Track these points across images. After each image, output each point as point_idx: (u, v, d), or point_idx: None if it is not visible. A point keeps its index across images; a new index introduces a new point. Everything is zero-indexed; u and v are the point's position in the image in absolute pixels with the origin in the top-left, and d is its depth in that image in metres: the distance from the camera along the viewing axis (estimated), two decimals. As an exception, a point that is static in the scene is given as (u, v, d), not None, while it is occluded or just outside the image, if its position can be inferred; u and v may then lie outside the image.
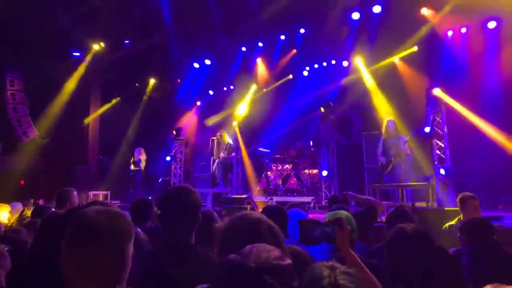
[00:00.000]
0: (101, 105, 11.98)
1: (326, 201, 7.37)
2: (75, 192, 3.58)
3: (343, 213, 2.49)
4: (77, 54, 10.78)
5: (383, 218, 3.90)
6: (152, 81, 12.49)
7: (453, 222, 3.97)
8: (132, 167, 9.79)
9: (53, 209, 3.44)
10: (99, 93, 12.07)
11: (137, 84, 12.32)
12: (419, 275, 1.60)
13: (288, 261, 1.00)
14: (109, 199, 9.04)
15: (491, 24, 8.20)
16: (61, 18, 9.21)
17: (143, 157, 9.83)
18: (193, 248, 1.84)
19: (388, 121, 7.40)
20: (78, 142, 11.53)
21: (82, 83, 10.98)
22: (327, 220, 1.82)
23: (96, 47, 10.70)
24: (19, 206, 5.63)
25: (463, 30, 8.66)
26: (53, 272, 1.15)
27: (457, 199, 4.00)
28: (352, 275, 1.11)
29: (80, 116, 11.57)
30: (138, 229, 2.85)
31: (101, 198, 8.82)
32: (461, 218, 3.83)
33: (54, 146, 10.81)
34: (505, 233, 3.88)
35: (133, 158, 9.81)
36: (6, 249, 1.86)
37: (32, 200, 6.65)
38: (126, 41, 10.79)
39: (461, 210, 3.92)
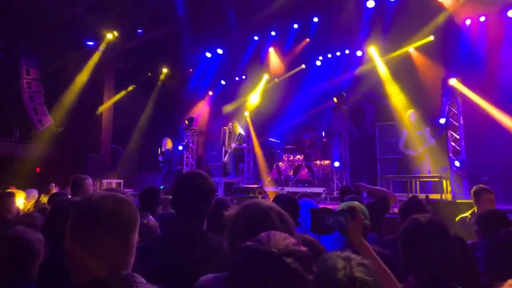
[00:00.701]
0: (115, 94, 12.07)
1: (338, 192, 7.32)
2: (89, 180, 3.62)
3: (356, 203, 2.46)
4: (91, 43, 10.85)
5: (396, 210, 3.86)
6: (164, 71, 12.53)
7: (466, 215, 3.91)
8: (161, 157, 9.86)
9: (69, 196, 3.49)
10: (112, 82, 12.16)
11: (149, 74, 12.37)
12: (432, 267, 1.57)
13: (305, 248, 0.98)
14: (122, 187, 9.16)
15: (511, 13, 7.94)
16: (76, 7, 9.27)
17: (169, 146, 9.85)
18: (204, 235, 1.81)
19: (411, 113, 7.25)
20: (91, 131, 11.68)
21: (96, 72, 11.07)
22: (340, 209, 1.79)
23: (109, 36, 10.75)
24: (34, 193, 5.74)
25: (482, 18, 8.41)
26: (61, 255, 1.15)
27: (472, 192, 3.93)
28: (368, 266, 1.07)
29: (94, 105, 11.70)
30: (150, 216, 2.89)
31: (114, 186, 8.94)
32: (475, 210, 3.77)
33: (68, 135, 10.98)
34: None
35: (161, 149, 9.87)
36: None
37: (53, 184, 6.74)
38: (139, 30, 10.81)
39: (475, 203, 3.85)
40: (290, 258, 0.90)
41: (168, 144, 9.81)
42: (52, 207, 2.16)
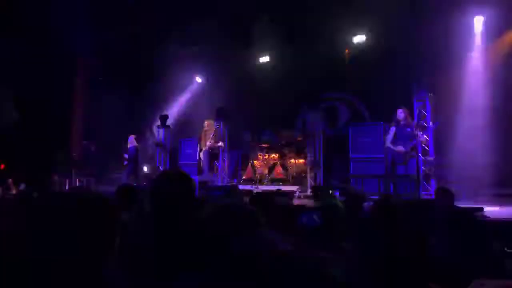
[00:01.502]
0: (87, 89, 11.72)
1: (311, 190, 7.41)
2: (55, 177, 3.50)
3: (337, 201, 2.49)
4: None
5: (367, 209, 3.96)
6: (139, 65, 12.20)
7: (433, 213, 4.07)
8: (124, 156, 9.62)
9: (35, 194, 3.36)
10: (83, 76, 11.80)
11: (123, 68, 12.06)
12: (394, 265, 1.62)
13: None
14: (94, 185, 8.92)
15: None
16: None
17: (135, 145, 9.62)
18: (182, 234, 1.78)
19: (398, 110, 7.25)
20: (61, 125, 11.28)
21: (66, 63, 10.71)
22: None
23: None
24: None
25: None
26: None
27: (435, 191, 4.18)
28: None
29: (63, 99, 11.29)
30: (124, 214, 2.81)
31: (85, 184, 8.68)
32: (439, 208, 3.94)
33: (37, 130, 10.55)
34: (486, 224, 3.98)
35: (125, 146, 9.63)
36: None
37: (11, 180, 6.49)
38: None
39: (436, 201, 4.09)
40: None
41: (134, 141, 9.60)
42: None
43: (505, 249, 2.74)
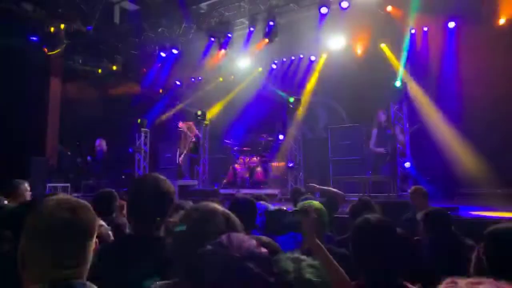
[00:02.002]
0: (62, 92, 11.42)
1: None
2: (25, 185, 3.39)
3: (316, 203, 2.49)
4: (34, 38, 10.17)
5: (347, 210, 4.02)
6: (115, 68, 12.00)
7: (410, 213, 4.19)
8: (90, 158, 9.39)
9: (5, 202, 3.25)
10: (59, 79, 11.50)
11: (100, 71, 11.83)
12: (382, 265, 1.63)
13: (265, 250, 0.98)
14: (69, 192, 8.67)
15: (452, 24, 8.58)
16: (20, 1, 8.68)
17: (103, 147, 9.40)
18: (159, 241, 1.74)
19: (379, 112, 7.32)
20: (36, 130, 10.94)
21: (41, 67, 10.41)
22: (304, 205, 1.82)
23: (55, 31, 10.13)
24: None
25: (425, 29, 8.99)
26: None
27: (409, 192, 4.34)
28: (318, 267, 1.09)
29: (38, 103, 10.97)
30: (101, 221, 2.75)
31: (60, 191, 8.42)
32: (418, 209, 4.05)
33: (10, 135, 10.19)
34: (460, 223, 4.10)
35: (94, 149, 9.42)
36: None
37: None
38: (89, 27, 10.32)
39: (411, 201, 4.22)
40: (252, 262, 0.89)
41: (102, 144, 9.39)
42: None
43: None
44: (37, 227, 1.09)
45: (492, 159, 7.15)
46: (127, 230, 2.73)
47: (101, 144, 9.38)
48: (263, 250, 0.96)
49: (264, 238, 1.87)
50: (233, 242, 0.94)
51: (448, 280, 0.85)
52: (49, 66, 10.92)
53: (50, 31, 9.73)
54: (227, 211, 1.35)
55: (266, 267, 0.92)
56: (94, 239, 1.18)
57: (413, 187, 4.49)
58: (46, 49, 10.34)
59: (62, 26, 9.69)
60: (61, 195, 1.27)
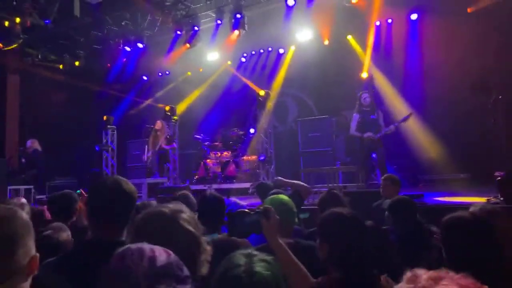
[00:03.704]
0: (20, 89, 10.88)
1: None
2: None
3: (284, 197, 2.48)
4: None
5: (315, 201, 4.05)
6: (77, 63, 11.50)
7: (380, 201, 4.26)
8: (25, 160, 8.91)
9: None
10: (17, 76, 10.95)
11: (61, 66, 11.34)
12: (353, 258, 1.63)
13: (167, 254, 0.94)
14: (32, 194, 8.29)
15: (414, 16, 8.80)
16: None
17: (36, 147, 8.84)
18: (121, 246, 1.68)
19: (362, 94, 6.63)
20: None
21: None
22: (259, 208, 1.79)
23: (10, 25, 9.57)
24: None
25: (389, 20, 9.19)
26: None
27: (382, 180, 4.40)
28: (270, 262, 1.08)
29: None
30: (65, 228, 2.61)
31: (22, 193, 8.02)
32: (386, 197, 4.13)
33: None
34: (426, 210, 4.23)
35: (25, 150, 8.89)
36: None
37: None
38: (47, 21, 9.82)
39: (382, 189, 4.29)
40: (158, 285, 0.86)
41: (35, 144, 8.89)
42: None
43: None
44: None
45: (453, 145, 7.45)
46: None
47: (33, 144, 8.84)
48: (165, 256, 0.93)
49: (231, 238, 1.83)
50: (134, 262, 0.90)
51: (409, 274, 0.84)
52: (6, 62, 10.38)
53: (5, 25, 9.18)
54: (186, 215, 1.29)
55: (173, 276, 0.89)
56: (26, 252, 1.10)
57: (385, 175, 4.53)
58: (1, 45, 9.83)
59: (18, 19, 9.15)
60: None
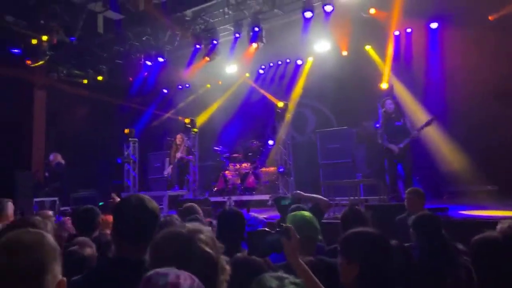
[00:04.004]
0: (46, 104, 11.27)
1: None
2: (9, 203, 3.30)
3: (306, 214, 2.46)
4: (16, 51, 10.02)
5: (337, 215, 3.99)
6: (100, 78, 11.85)
7: (404, 215, 4.16)
8: (48, 174, 9.14)
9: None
10: (44, 91, 11.35)
11: (85, 81, 11.69)
12: (383, 278, 1.62)
13: (191, 281, 0.95)
14: (57, 206, 8.51)
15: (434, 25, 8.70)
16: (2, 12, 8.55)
17: (59, 160, 9.05)
18: (143, 265, 1.71)
19: (386, 100, 6.46)
20: (21, 144, 10.75)
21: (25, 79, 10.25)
22: (284, 224, 1.78)
23: (38, 42, 9.97)
24: None
25: (408, 30, 9.10)
26: None
27: (406, 194, 4.29)
28: (300, 285, 1.10)
29: (22, 116, 10.79)
30: (86, 239, 2.67)
31: (48, 206, 8.25)
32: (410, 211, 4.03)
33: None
34: (450, 224, 4.11)
35: (49, 164, 9.11)
36: None
37: None
38: (72, 38, 10.19)
39: (406, 203, 4.18)
40: None
41: (58, 158, 9.08)
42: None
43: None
44: None
45: (477, 155, 7.23)
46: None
47: (55, 158, 9.07)
48: (188, 281, 0.94)
49: (253, 258, 1.83)
50: None
51: None
52: (33, 79, 10.78)
53: (32, 43, 9.57)
54: (205, 237, 1.29)
55: None
56: (54, 276, 1.11)
57: (409, 189, 4.42)
58: (29, 62, 10.22)
59: (45, 37, 9.52)
60: (22, 230, 1.19)
